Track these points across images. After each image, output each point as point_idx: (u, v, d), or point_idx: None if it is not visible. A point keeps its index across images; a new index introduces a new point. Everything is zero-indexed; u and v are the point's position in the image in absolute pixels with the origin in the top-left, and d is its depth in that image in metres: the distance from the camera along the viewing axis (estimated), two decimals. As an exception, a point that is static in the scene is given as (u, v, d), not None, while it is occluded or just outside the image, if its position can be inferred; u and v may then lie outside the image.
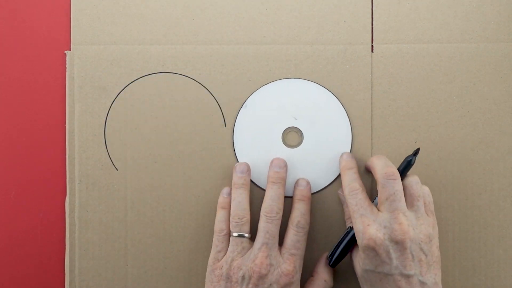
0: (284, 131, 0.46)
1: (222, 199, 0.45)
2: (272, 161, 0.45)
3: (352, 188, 0.41)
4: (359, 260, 0.40)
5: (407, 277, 0.38)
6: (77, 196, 0.46)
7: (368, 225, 0.39)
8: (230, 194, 0.45)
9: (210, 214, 0.46)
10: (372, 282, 0.39)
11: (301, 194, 0.44)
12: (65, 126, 0.46)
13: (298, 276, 0.42)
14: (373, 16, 0.46)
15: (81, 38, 0.46)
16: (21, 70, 0.47)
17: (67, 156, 0.46)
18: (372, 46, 0.46)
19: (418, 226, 0.39)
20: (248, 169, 0.45)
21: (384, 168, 0.40)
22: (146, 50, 0.46)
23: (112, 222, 0.46)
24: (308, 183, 0.45)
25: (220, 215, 0.44)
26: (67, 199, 0.46)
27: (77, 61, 0.46)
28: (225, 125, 0.46)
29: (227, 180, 0.46)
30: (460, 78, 0.46)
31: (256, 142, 0.46)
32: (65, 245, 0.46)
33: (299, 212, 0.43)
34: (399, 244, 0.38)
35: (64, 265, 0.46)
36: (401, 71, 0.46)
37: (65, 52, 0.46)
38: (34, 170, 0.47)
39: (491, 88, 0.46)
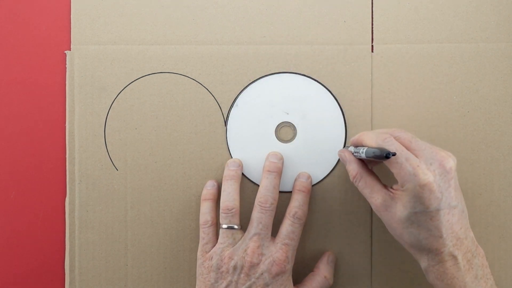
0: (277, 126, 0.46)
1: (205, 191, 0.45)
2: (268, 154, 0.45)
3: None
4: (405, 205, 0.37)
5: (454, 208, 0.38)
6: (77, 196, 0.46)
7: (418, 166, 0.37)
8: (213, 186, 0.45)
9: (210, 214, 0.46)
10: (421, 223, 0.37)
11: (301, 185, 0.44)
12: (65, 126, 0.46)
13: (290, 266, 0.42)
14: (373, 16, 0.46)
15: (81, 38, 0.46)
16: (21, 70, 0.47)
17: (67, 156, 0.46)
18: (372, 46, 0.46)
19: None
20: (240, 164, 0.45)
21: (379, 135, 0.39)
22: (146, 50, 0.46)
23: (112, 222, 0.46)
24: (309, 176, 0.45)
25: (204, 207, 0.44)
26: (67, 199, 0.46)
27: (77, 61, 0.46)
28: (225, 125, 0.46)
29: (227, 180, 0.46)
30: (460, 78, 0.46)
31: (249, 139, 0.46)
32: (65, 245, 0.46)
33: (298, 203, 0.43)
34: (447, 175, 0.37)
35: (64, 265, 0.46)
36: (401, 71, 0.46)
37: (65, 52, 0.46)
38: (34, 170, 0.47)
39: (491, 88, 0.46)
